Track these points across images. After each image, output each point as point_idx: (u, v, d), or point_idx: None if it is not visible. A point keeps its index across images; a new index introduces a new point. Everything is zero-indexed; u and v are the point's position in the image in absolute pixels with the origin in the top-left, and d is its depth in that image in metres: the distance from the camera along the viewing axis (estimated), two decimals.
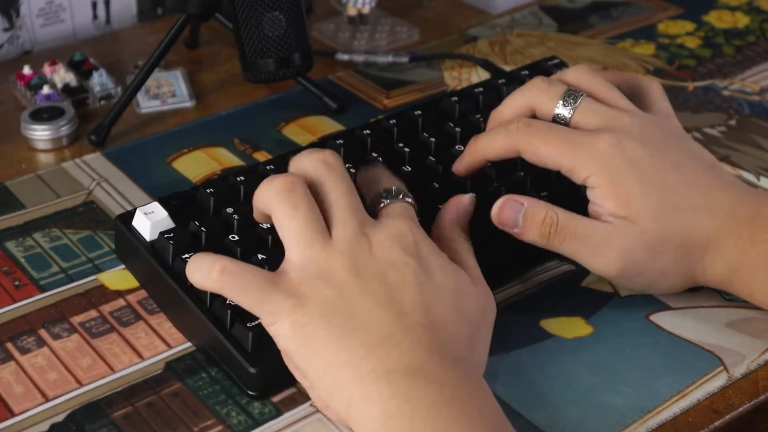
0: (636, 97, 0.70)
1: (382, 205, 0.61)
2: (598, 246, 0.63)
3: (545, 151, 0.65)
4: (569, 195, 0.68)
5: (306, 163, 0.60)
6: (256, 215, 0.62)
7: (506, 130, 0.67)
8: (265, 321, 0.57)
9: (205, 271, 0.58)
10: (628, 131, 0.65)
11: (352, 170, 0.70)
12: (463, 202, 0.65)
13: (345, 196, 0.59)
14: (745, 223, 0.63)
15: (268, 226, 0.63)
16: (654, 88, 0.71)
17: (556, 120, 0.67)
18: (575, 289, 0.69)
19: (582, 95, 0.67)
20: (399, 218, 0.60)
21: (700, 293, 0.68)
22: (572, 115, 0.66)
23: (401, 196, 0.61)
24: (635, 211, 0.63)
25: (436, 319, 0.56)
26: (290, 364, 0.58)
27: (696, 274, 0.65)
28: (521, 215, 0.64)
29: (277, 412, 0.60)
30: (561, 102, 0.67)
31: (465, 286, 0.59)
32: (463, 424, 0.52)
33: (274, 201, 0.58)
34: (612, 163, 0.63)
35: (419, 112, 0.78)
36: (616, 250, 0.63)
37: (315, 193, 0.59)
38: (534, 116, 0.68)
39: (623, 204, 0.63)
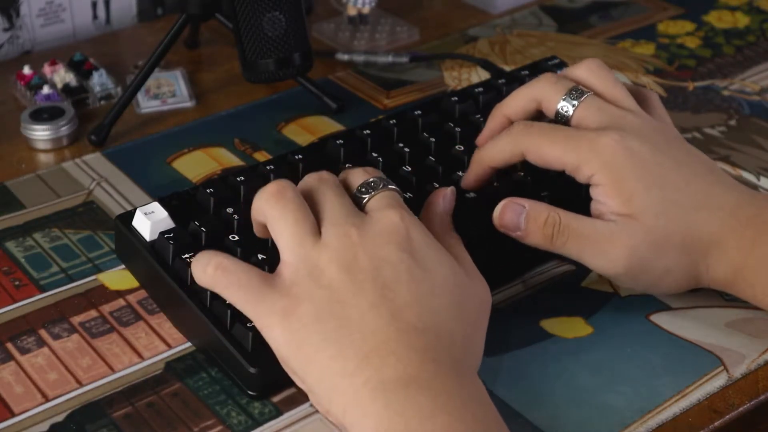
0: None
1: (365, 200, 0.60)
2: (601, 245, 0.63)
3: (549, 150, 0.65)
4: (569, 195, 0.68)
5: (304, 180, 0.61)
6: (256, 229, 0.62)
7: (509, 134, 0.67)
8: (259, 324, 0.57)
9: (202, 267, 0.58)
10: (631, 129, 0.65)
11: None
12: (447, 195, 0.64)
13: (334, 198, 0.59)
14: (747, 224, 0.63)
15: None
16: (654, 97, 0.71)
17: (559, 114, 0.67)
18: (575, 289, 0.69)
19: (588, 93, 0.67)
20: (387, 209, 0.59)
21: (700, 293, 0.68)
22: (575, 110, 0.66)
23: (382, 185, 0.61)
24: (638, 208, 0.63)
25: (432, 320, 0.55)
26: (287, 368, 0.57)
27: (700, 273, 0.64)
28: (523, 218, 0.63)
29: (277, 412, 0.60)
30: (566, 96, 0.67)
31: (462, 279, 0.58)
32: (458, 431, 0.52)
33: (266, 207, 0.58)
34: (615, 159, 0.63)
35: (419, 112, 0.78)
36: (621, 248, 0.62)
37: (308, 201, 0.59)
38: (539, 110, 0.69)
39: (626, 201, 0.63)
